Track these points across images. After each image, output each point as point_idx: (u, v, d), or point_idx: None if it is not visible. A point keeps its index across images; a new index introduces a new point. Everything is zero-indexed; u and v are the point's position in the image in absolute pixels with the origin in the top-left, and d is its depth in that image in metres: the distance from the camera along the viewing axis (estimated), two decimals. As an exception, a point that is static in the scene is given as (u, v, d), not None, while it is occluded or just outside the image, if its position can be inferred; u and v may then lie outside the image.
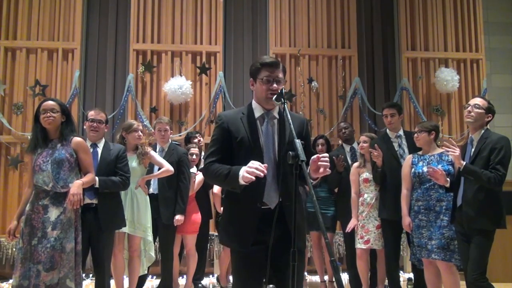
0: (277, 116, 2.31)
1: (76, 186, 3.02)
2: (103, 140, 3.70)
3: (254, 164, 2.06)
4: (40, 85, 5.79)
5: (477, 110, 3.30)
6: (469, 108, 3.34)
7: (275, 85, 2.24)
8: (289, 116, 2.11)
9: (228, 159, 2.24)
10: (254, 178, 2.03)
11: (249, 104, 2.37)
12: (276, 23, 6.23)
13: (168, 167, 4.12)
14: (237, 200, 2.22)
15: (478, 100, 3.37)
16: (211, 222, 5.06)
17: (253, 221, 2.17)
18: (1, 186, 5.64)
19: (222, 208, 4.60)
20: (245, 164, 2.10)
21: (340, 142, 5.10)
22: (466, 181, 3.28)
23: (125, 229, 3.77)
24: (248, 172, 2.04)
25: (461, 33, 6.41)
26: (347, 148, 4.88)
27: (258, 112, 2.31)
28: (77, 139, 3.17)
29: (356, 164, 4.42)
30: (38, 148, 3.10)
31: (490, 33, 6.50)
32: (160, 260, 4.51)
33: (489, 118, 3.35)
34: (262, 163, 2.11)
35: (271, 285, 2.33)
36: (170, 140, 4.59)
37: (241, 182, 2.08)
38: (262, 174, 2.02)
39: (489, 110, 3.33)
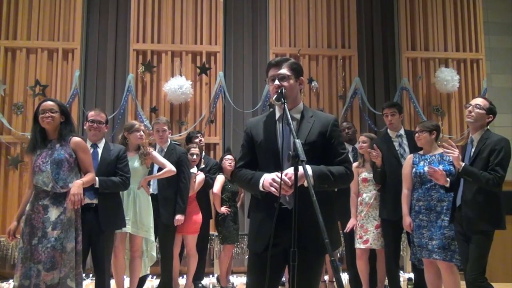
0: (297, 116, 2.32)
1: (76, 186, 3.02)
2: (103, 140, 3.70)
3: (278, 180, 2.08)
4: (40, 85, 5.79)
5: (478, 110, 3.29)
6: (470, 108, 3.33)
7: (276, 82, 2.27)
8: (289, 116, 2.10)
9: (255, 162, 2.33)
10: (274, 190, 2.09)
11: (274, 107, 2.41)
12: (276, 23, 6.23)
13: (170, 167, 4.12)
14: (258, 200, 2.29)
15: (479, 100, 3.35)
16: (211, 222, 5.06)
17: (270, 221, 2.16)
18: (1, 186, 5.64)
19: (222, 208, 4.67)
20: (265, 166, 2.22)
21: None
22: (465, 182, 3.27)
23: (127, 229, 3.78)
24: (271, 185, 2.10)
25: (461, 33, 6.41)
26: (349, 148, 4.86)
27: (278, 113, 2.34)
28: (75, 139, 3.16)
29: (355, 164, 4.40)
30: (37, 148, 3.09)
31: (490, 33, 6.50)
32: (160, 260, 4.50)
33: (490, 119, 3.32)
34: (279, 164, 2.17)
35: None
36: (169, 140, 4.57)
37: (261, 188, 2.17)
38: (277, 193, 2.06)
39: (490, 111, 3.31)
